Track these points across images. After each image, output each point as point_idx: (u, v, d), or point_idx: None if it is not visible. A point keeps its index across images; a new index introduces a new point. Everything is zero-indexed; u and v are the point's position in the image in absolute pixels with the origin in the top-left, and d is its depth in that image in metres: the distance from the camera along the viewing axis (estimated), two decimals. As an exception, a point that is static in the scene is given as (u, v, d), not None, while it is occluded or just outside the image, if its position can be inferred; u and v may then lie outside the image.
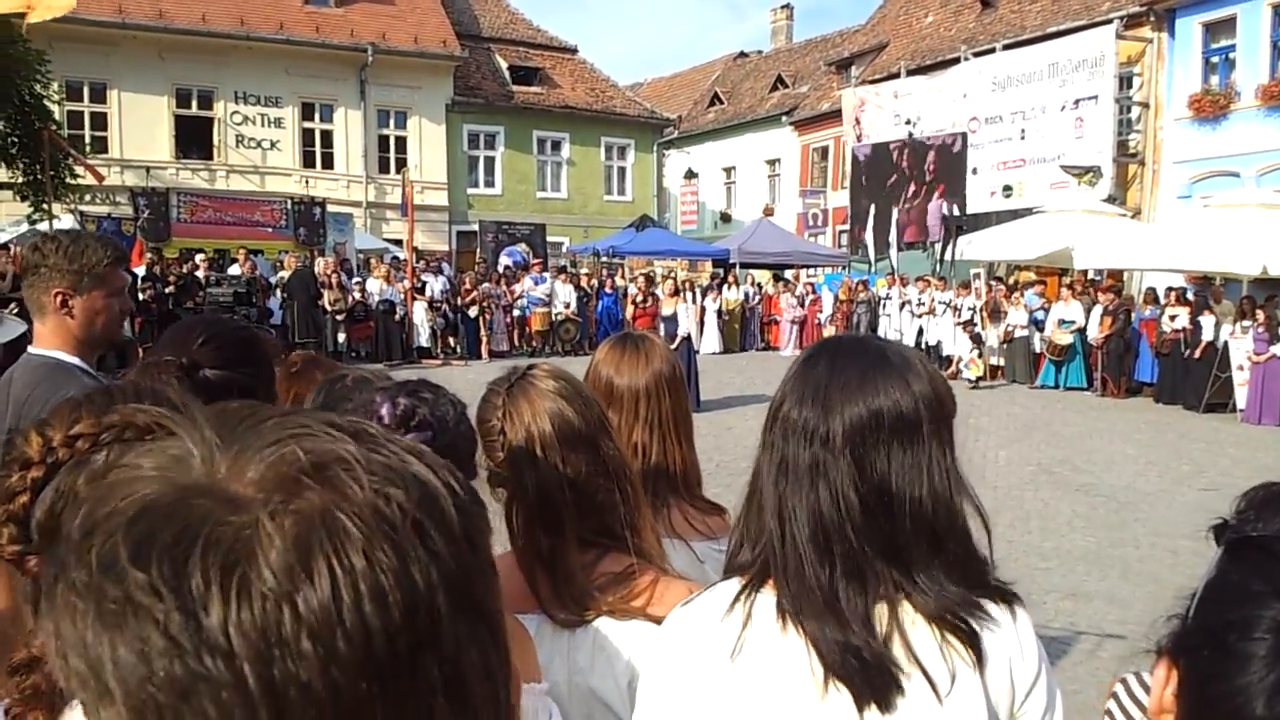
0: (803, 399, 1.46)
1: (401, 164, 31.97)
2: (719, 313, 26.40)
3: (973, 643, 1.39)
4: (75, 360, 2.88)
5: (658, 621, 1.69)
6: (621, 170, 38.74)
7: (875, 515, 1.39)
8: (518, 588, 1.79)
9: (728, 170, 41.95)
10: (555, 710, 1.55)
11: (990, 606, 1.44)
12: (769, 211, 35.31)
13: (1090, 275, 21.52)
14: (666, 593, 1.76)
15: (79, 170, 19.61)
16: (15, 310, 12.49)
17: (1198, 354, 16.89)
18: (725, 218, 40.48)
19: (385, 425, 1.50)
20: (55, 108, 22.71)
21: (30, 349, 2.96)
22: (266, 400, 2.09)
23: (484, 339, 23.33)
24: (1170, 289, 18.51)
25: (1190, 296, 18.00)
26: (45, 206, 17.57)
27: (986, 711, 1.40)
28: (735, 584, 1.49)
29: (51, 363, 2.84)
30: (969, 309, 21.50)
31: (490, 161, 35.78)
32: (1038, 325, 20.11)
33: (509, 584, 1.76)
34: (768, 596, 1.44)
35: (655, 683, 1.51)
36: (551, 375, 1.85)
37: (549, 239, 31.04)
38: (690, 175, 40.79)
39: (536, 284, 24.29)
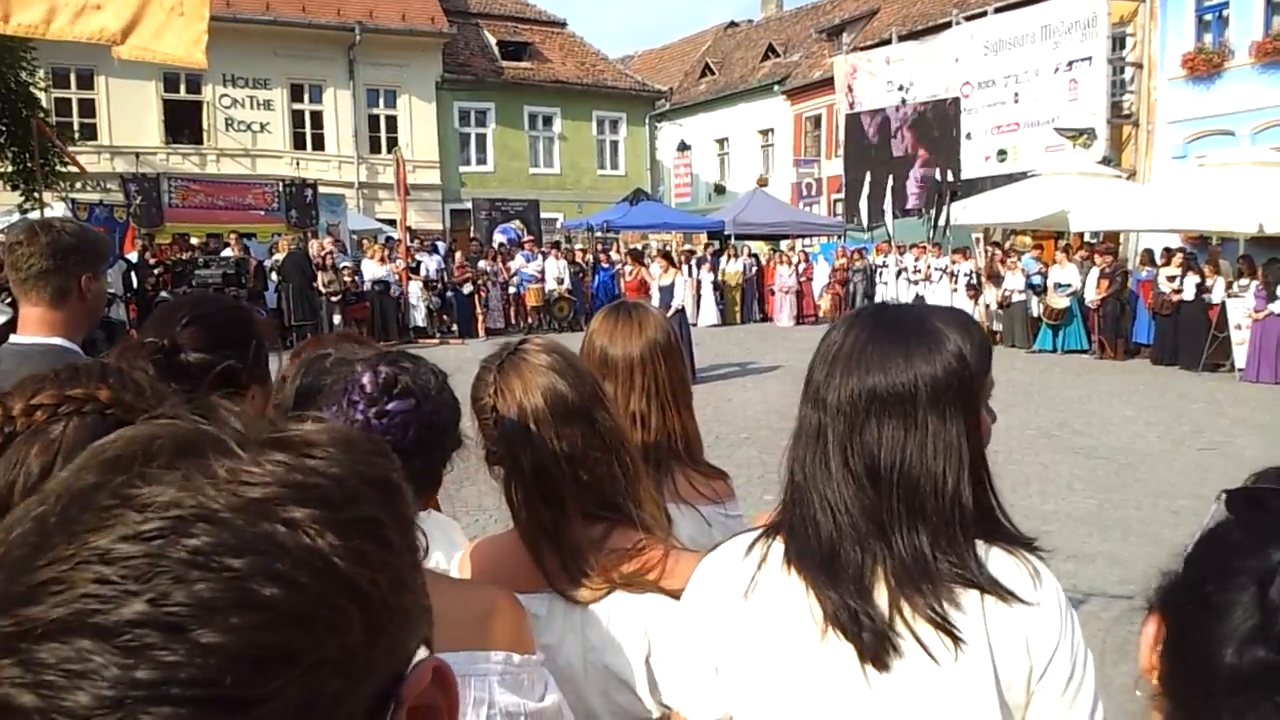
0: (818, 364, 1.50)
1: (393, 143, 31.86)
2: (716, 285, 26.34)
3: (973, 612, 1.38)
4: (73, 345, 2.85)
5: (672, 595, 1.70)
6: (614, 144, 38.61)
7: (867, 485, 1.41)
8: (524, 566, 1.78)
9: (721, 141, 41.71)
10: (551, 681, 1.55)
11: (1006, 572, 1.42)
12: (763, 182, 35.15)
13: (1086, 238, 21.48)
14: (678, 565, 1.75)
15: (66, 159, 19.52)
16: (9, 300, 12.45)
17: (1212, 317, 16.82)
18: (719, 189, 40.29)
19: (368, 394, 1.50)
20: (42, 95, 22.58)
21: (15, 337, 2.89)
22: (254, 382, 2.06)
23: (480, 317, 23.30)
24: (1167, 249, 18.46)
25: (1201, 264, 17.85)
26: (36, 195, 17.48)
27: (994, 682, 1.38)
28: (759, 530, 1.55)
29: (55, 349, 2.78)
30: (965, 274, 21.50)
31: (481, 138, 35.64)
32: (1035, 289, 20.09)
33: (514, 563, 1.78)
34: (782, 542, 1.50)
35: (681, 617, 1.58)
36: (544, 349, 1.83)
37: (543, 215, 30.90)
38: (683, 148, 40.56)
39: (529, 261, 24.25)
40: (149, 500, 0.51)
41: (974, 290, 20.81)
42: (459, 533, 2.16)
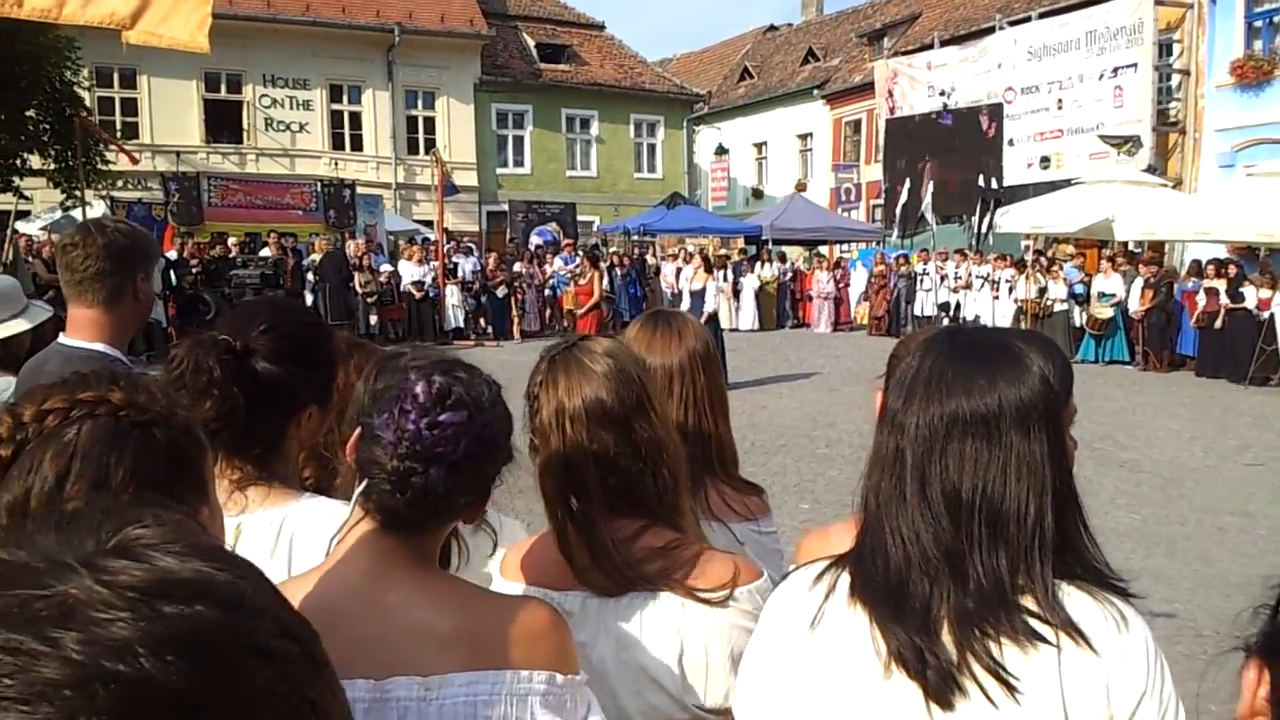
0: (894, 391, 1.46)
1: (430, 145, 32.06)
2: (755, 290, 26.26)
3: (1046, 655, 1.32)
4: (116, 352, 2.82)
5: (700, 595, 1.72)
6: (651, 147, 38.61)
7: (945, 513, 1.36)
8: (557, 562, 1.80)
9: (759, 145, 41.63)
10: (594, 702, 1.53)
11: (1087, 615, 1.35)
12: (801, 187, 35.02)
13: (1130, 247, 21.20)
14: (709, 566, 1.76)
15: (111, 156, 19.69)
16: (50, 297, 12.58)
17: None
18: (757, 194, 40.19)
19: (420, 403, 1.46)
20: (86, 94, 22.84)
21: (64, 339, 2.86)
22: (315, 404, 2.02)
23: (516, 319, 23.34)
24: (1213, 260, 18.16)
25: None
26: (78, 193, 17.65)
27: None
28: (828, 560, 1.52)
29: (98, 355, 2.75)
30: (1007, 281, 21.30)
31: (519, 140, 35.76)
32: (1077, 299, 19.83)
33: (548, 559, 1.81)
34: (850, 573, 1.47)
35: (751, 647, 1.57)
36: (602, 352, 1.83)
37: (579, 218, 30.95)
38: (721, 151, 40.51)
39: (566, 264, 24.26)
40: None
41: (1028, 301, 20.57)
42: (523, 531, 2.17)
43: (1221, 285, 17.21)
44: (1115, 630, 1.34)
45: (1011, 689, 1.30)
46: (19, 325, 3.95)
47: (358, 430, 1.52)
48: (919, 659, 1.33)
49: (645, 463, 1.79)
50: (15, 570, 0.48)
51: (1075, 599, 1.36)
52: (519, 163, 35.75)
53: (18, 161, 19.90)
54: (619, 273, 24.83)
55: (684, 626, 1.73)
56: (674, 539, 1.79)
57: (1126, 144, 24.60)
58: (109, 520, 0.52)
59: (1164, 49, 25.11)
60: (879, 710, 1.38)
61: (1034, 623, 1.32)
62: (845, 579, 1.45)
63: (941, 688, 1.32)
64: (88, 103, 22.88)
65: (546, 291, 24.17)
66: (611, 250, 27.18)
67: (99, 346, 2.79)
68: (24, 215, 22.07)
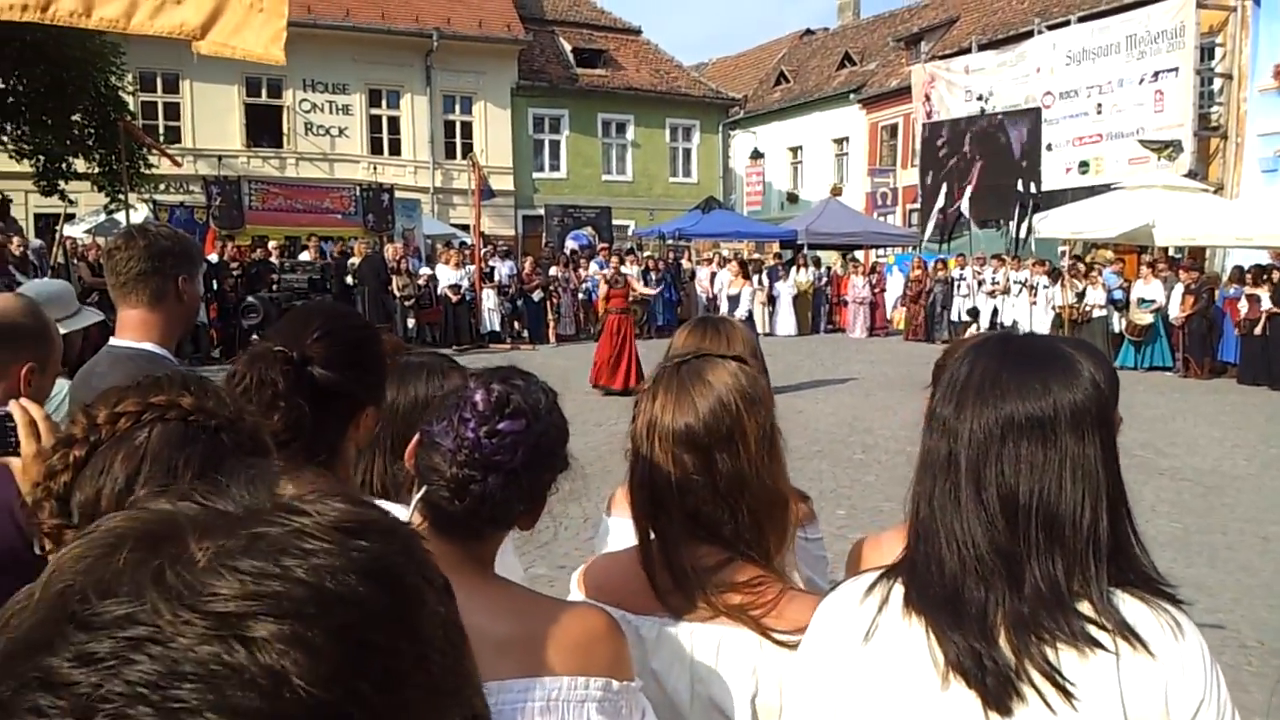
0: (945, 394, 1.46)
1: (467, 149, 32.19)
2: (793, 295, 26.23)
3: (1105, 661, 1.32)
4: (164, 352, 2.88)
5: (775, 638, 1.68)
6: (687, 152, 38.62)
7: (1000, 517, 1.37)
8: (638, 586, 1.78)
9: (794, 150, 41.51)
10: (648, 708, 1.54)
11: (1143, 621, 1.35)
12: (837, 191, 34.92)
13: (1170, 253, 20.97)
14: (790, 607, 1.71)
15: (154, 160, 19.97)
16: (96, 300, 12.77)
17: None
18: (792, 198, 40.09)
19: (480, 412, 1.48)
20: (130, 99, 23.17)
21: (115, 341, 2.92)
22: (371, 404, 2.05)
23: (551, 323, 23.42)
24: (1255, 266, 17.93)
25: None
26: (122, 197, 17.92)
27: None
28: (879, 571, 1.52)
29: (145, 354, 2.82)
30: (1045, 288, 21.14)
31: (555, 145, 35.88)
32: (1116, 305, 19.65)
33: (628, 581, 1.79)
34: (903, 584, 1.46)
35: (800, 663, 1.56)
36: (710, 371, 1.79)
37: (614, 222, 31.02)
38: (756, 155, 40.43)
39: (602, 268, 24.30)
40: (96, 617, 0.47)
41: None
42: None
43: (1264, 292, 16.98)
44: (1171, 637, 1.34)
45: (1069, 695, 1.30)
46: (70, 324, 4.05)
47: (417, 437, 1.55)
48: (978, 665, 1.33)
49: (721, 496, 1.74)
50: (226, 516, 0.54)
51: (1129, 605, 1.36)
52: (555, 167, 35.87)
53: (63, 165, 20.23)
54: (653, 277, 24.89)
55: (760, 666, 1.70)
56: (757, 575, 1.75)
57: (1167, 149, 24.36)
58: (266, 479, 0.60)
59: (1206, 53, 24.83)
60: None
61: (1091, 628, 1.32)
62: (899, 590, 1.44)
63: (1000, 694, 1.32)
64: (131, 107, 23.21)
65: (581, 295, 24.24)
66: (646, 255, 27.19)
67: (147, 346, 2.85)
68: (69, 219, 22.40)
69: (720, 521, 1.75)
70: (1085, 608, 1.33)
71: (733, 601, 1.72)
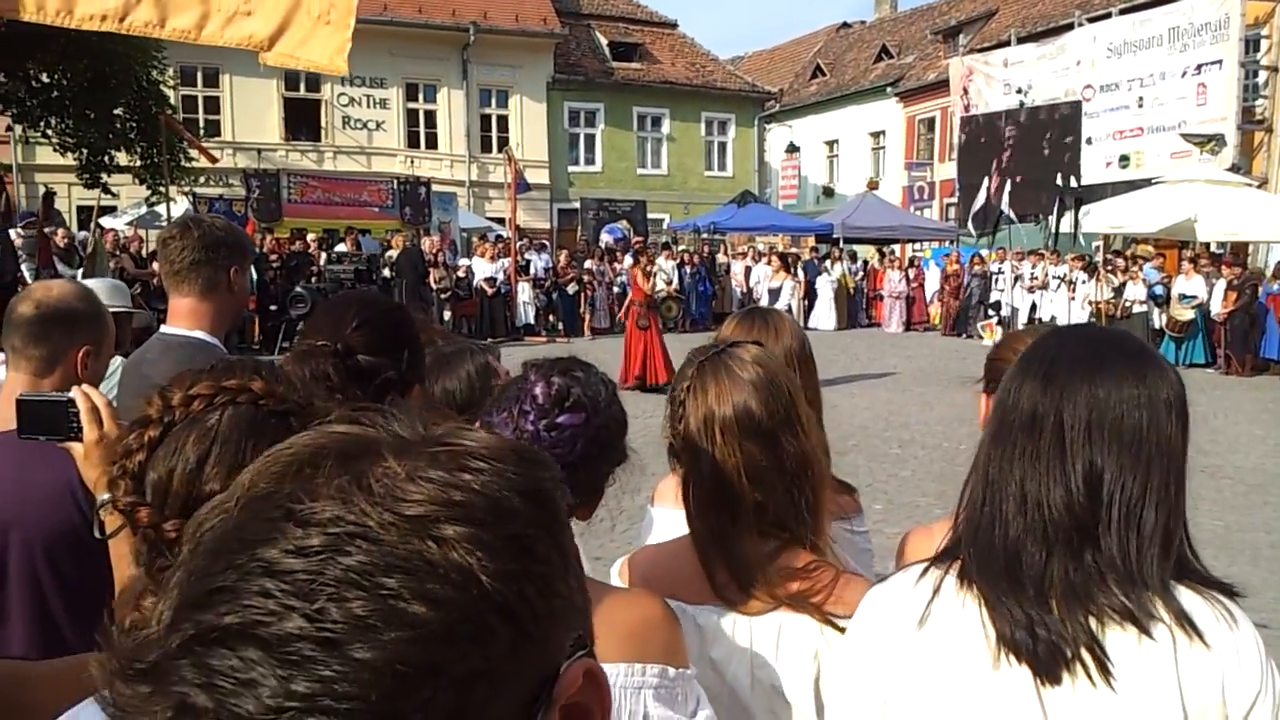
0: (1032, 367, 1.46)
1: (504, 143, 32.25)
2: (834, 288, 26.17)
3: (1163, 646, 1.33)
4: (215, 340, 2.94)
5: (836, 620, 1.69)
6: (722, 145, 38.51)
7: (1082, 489, 1.37)
8: (692, 575, 1.77)
9: (830, 144, 41.29)
10: (703, 696, 1.54)
11: (1202, 613, 1.36)
12: (874, 185, 34.69)
13: (1213, 248, 20.70)
14: (846, 590, 1.72)
15: (194, 153, 20.18)
16: (138, 290, 12.93)
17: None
18: (828, 192, 39.88)
19: (540, 405, 1.50)
20: (170, 93, 23.41)
21: (166, 328, 2.98)
22: (415, 382, 2.09)
23: (586, 316, 23.46)
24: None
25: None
26: (162, 189, 18.11)
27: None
28: (929, 560, 1.52)
29: (196, 342, 2.89)
30: (1083, 284, 20.93)
31: (590, 139, 35.90)
32: (1156, 300, 19.42)
33: (682, 571, 1.78)
34: (956, 569, 1.47)
35: (850, 650, 1.55)
36: (752, 360, 1.79)
37: (650, 216, 30.99)
38: (792, 149, 40.26)
39: (635, 263, 24.31)
40: (311, 516, 0.54)
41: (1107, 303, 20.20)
42: None
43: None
44: (1227, 628, 1.34)
45: (1107, 673, 1.31)
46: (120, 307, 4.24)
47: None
48: (1029, 634, 1.34)
49: (790, 479, 1.74)
50: (405, 438, 0.62)
51: (1186, 595, 1.36)
52: (590, 160, 35.90)
53: (106, 159, 20.47)
54: (688, 270, 24.85)
55: (822, 650, 1.70)
56: (812, 560, 1.75)
57: (1210, 142, 24.01)
58: (414, 415, 0.66)
59: (1250, 45, 24.46)
60: (989, 703, 1.38)
61: (1151, 611, 1.33)
62: (950, 578, 1.45)
63: (1050, 663, 1.33)
64: (172, 101, 23.45)
65: (616, 289, 24.26)
66: (681, 249, 27.15)
67: (198, 334, 2.91)
68: (110, 211, 22.69)
69: (787, 506, 1.74)
70: (1147, 593, 1.34)
71: (792, 589, 1.72)
